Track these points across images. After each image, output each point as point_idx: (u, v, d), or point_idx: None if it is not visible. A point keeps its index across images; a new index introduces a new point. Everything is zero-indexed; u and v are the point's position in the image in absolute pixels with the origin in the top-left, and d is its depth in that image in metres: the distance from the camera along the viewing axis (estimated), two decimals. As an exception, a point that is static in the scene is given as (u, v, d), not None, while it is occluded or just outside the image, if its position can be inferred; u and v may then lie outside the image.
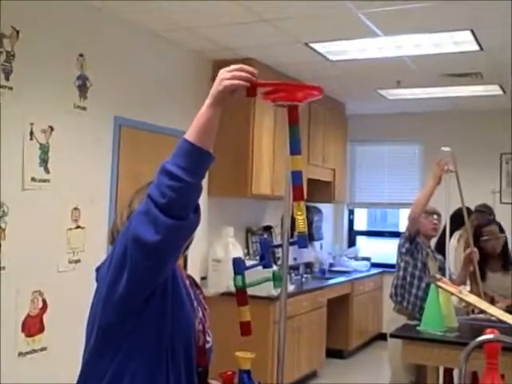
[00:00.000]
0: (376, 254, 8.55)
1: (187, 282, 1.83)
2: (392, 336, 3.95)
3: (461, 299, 4.11)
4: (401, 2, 4.10)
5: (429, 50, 5.25)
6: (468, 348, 1.61)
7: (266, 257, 1.89)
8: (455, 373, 5.94)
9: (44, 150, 4.04)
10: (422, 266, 4.37)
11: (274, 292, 5.28)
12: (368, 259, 8.30)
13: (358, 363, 7.21)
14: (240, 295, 1.88)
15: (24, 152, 3.88)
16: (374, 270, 8.17)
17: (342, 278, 7.26)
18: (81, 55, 4.31)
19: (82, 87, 4.34)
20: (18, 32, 3.81)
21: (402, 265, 4.43)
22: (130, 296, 1.64)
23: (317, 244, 7.99)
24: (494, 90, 6.71)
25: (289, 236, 1.89)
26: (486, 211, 5.80)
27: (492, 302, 4.34)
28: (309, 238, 7.24)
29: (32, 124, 3.93)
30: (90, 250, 4.28)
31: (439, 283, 3.81)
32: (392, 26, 4.64)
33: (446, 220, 4.73)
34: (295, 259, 6.90)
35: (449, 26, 4.61)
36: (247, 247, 6.34)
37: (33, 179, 3.96)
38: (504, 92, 6.77)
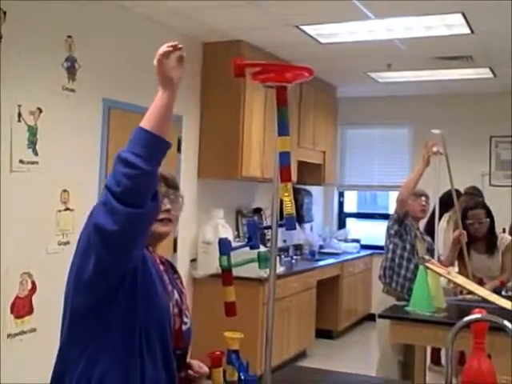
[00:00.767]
0: (366, 235, 8.59)
1: (161, 267, 1.82)
2: (380, 316, 3.98)
3: (449, 280, 4.14)
4: (391, -17, 4.08)
5: (420, 33, 5.23)
6: (456, 327, 1.63)
7: (254, 238, 1.89)
8: (442, 352, 6.01)
9: (32, 132, 4.02)
10: (410, 248, 4.40)
11: (264, 273, 5.29)
12: (358, 241, 8.34)
13: (347, 343, 7.27)
14: (225, 275, 1.89)
15: (12, 134, 3.85)
16: (364, 252, 8.21)
17: (331, 260, 7.29)
18: (69, 36, 4.28)
19: (71, 69, 4.31)
20: (5, 13, 3.77)
21: (391, 247, 4.46)
22: (97, 283, 1.65)
23: (307, 226, 8.01)
24: (484, 73, 6.71)
25: (277, 218, 1.89)
26: (475, 193, 5.83)
27: (480, 283, 4.38)
28: (299, 220, 7.26)
29: (20, 106, 3.90)
30: (80, 231, 4.26)
31: (428, 264, 3.84)
32: (383, 8, 4.63)
33: (435, 202, 4.76)
34: (285, 241, 6.92)
35: (440, 9, 4.59)
36: (237, 229, 6.35)
37: (21, 161, 3.94)
38: (494, 75, 6.78)
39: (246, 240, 1.87)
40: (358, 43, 5.61)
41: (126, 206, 1.54)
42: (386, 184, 8.28)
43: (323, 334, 7.15)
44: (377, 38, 5.42)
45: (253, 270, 5.01)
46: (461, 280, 3.95)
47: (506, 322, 1.63)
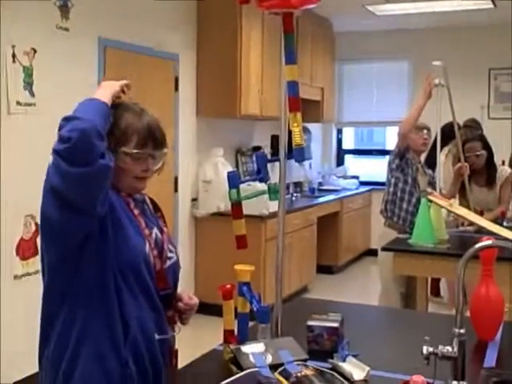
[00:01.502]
0: (364, 172, 8.60)
1: (135, 211, 1.81)
2: (384, 249, 4.01)
3: (451, 212, 4.16)
4: None
5: (419, -39, 5.10)
6: (467, 255, 1.63)
7: (263, 171, 1.88)
8: (441, 284, 6.12)
9: (28, 72, 3.95)
10: (412, 182, 4.40)
11: (266, 211, 5.32)
12: (356, 177, 8.36)
13: (347, 278, 7.37)
14: (235, 209, 1.88)
15: (7, 75, 3.79)
16: (363, 188, 8.24)
17: (331, 197, 7.32)
18: (60, -27, 4.16)
19: (64, 7, 4.20)
20: None
21: (393, 181, 4.45)
22: (63, 239, 1.68)
23: (306, 163, 7.99)
24: (484, 3, 6.57)
25: (286, 150, 1.88)
26: (473, 126, 5.79)
27: (481, 215, 4.40)
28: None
29: (14, 46, 3.82)
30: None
31: (430, 197, 3.85)
32: None
33: (436, 135, 4.73)
34: (285, 179, 6.91)
35: None
36: (237, 168, 6.34)
37: (18, 103, 3.89)
38: (495, 5, 6.65)
39: (256, 173, 1.85)
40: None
41: (73, 165, 1.55)
42: (384, 120, 8.23)
43: (324, 269, 7.25)
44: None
45: (255, 207, 5.10)
46: (463, 212, 3.97)
47: (516, 247, 1.64)
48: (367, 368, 1.77)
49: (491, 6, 6.64)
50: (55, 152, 1.58)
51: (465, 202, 4.55)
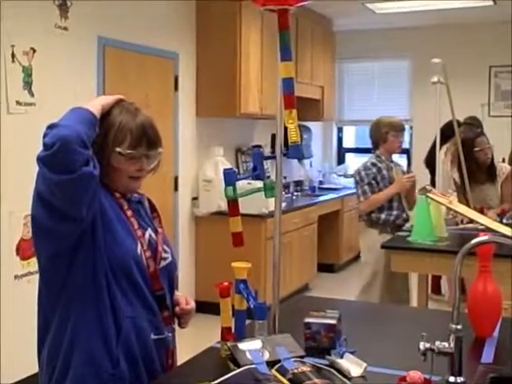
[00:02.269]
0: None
1: (128, 213, 1.81)
2: (383, 247, 4.02)
3: (451, 210, 4.16)
4: None
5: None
6: (463, 250, 1.63)
7: (259, 168, 1.88)
8: (442, 282, 6.11)
9: (27, 72, 3.96)
10: (390, 183, 4.38)
11: (265, 209, 5.32)
12: (357, 176, 8.33)
13: (348, 276, 7.36)
14: (231, 206, 1.88)
15: (7, 75, 3.80)
16: (364, 187, 8.22)
17: (331, 195, 7.32)
18: (59, -28, 4.16)
19: (63, 6, 4.21)
20: None
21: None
22: (51, 243, 1.70)
23: (306, 162, 8.00)
24: (484, 1, 6.57)
25: (282, 147, 1.88)
26: (474, 124, 5.79)
27: (481, 212, 4.39)
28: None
29: (13, 46, 3.83)
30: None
31: (429, 194, 3.85)
32: None
33: (436, 133, 4.73)
34: (285, 177, 6.92)
35: None
36: (237, 167, 6.34)
37: (18, 103, 3.90)
38: (494, 2, 6.64)
39: (252, 170, 1.85)
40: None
41: (55, 172, 1.57)
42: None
43: (325, 267, 7.25)
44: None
45: (255, 207, 5.10)
46: (462, 209, 3.96)
47: (512, 243, 1.64)
48: (364, 364, 1.77)
49: (491, 3, 6.63)
50: (39, 159, 1.60)
51: (464, 200, 4.55)
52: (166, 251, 1.89)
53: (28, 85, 3.95)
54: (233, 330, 1.90)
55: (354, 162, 8.86)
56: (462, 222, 4.39)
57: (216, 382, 1.56)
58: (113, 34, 4.67)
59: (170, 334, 1.87)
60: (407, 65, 8.22)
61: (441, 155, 5.38)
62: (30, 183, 3.99)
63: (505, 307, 2.22)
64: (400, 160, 8.54)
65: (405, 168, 4.61)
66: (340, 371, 1.72)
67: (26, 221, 3.94)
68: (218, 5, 5.60)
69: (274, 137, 6.78)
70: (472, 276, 2.15)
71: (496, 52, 7.49)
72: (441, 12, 7.09)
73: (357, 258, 7.98)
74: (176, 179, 5.51)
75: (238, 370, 1.62)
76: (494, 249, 2.11)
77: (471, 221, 4.12)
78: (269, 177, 1.92)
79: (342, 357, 1.83)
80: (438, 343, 1.68)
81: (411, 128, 8.26)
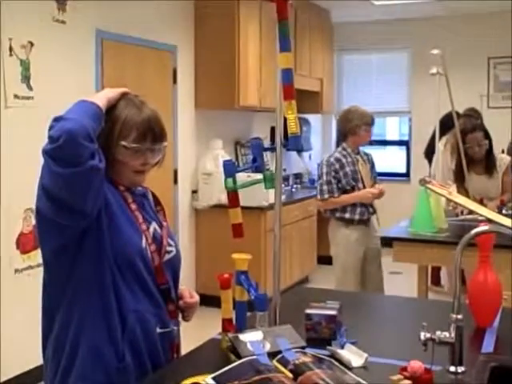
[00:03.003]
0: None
1: (133, 206, 1.81)
2: (383, 238, 4.02)
3: (450, 201, 4.16)
4: None
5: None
6: (464, 240, 1.64)
7: (258, 160, 1.87)
8: (442, 273, 6.12)
9: (25, 66, 3.95)
10: (353, 179, 4.29)
11: (265, 202, 5.32)
12: (356, 168, 8.32)
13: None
14: (231, 197, 1.88)
15: (4, 69, 3.79)
16: (363, 179, 8.22)
17: (331, 188, 7.30)
18: (56, -35, 4.15)
19: (60, 0, 4.19)
20: None
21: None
22: (56, 236, 1.69)
23: (305, 155, 7.99)
24: (482, -9, 6.56)
25: (282, 138, 1.88)
26: (473, 115, 5.77)
27: (481, 203, 4.39)
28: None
29: (11, 39, 3.82)
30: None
31: (429, 185, 3.84)
32: None
33: (435, 125, 4.73)
34: (285, 170, 6.92)
35: None
36: (237, 159, 6.34)
37: (16, 96, 3.90)
38: (493, -7, 6.63)
39: (251, 161, 1.85)
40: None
41: (61, 165, 1.57)
42: (384, 110, 8.20)
43: (325, 259, 7.21)
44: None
45: (255, 199, 5.10)
46: (462, 200, 3.96)
47: (513, 232, 1.64)
48: (365, 355, 1.77)
49: (490, -6, 6.62)
50: (44, 152, 1.60)
51: (463, 191, 4.55)
52: (170, 244, 1.89)
53: (26, 78, 3.94)
54: (234, 322, 1.90)
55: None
56: (461, 213, 4.39)
57: (217, 373, 1.56)
58: (111, 27, 4.65)
59: (175, 328, 1.87)
60: (406, 56, 8.20)
61: (440, 146, 5.38)
62: (29, 177, 4.00)
63: (505, 297, 2.22)
64: (399, 151, 8.62)
65: (371, 157, 4.46)
66: (341, 362, 1.73)
67: (25, 215, 3.94)
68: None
69: (273, 129, 6.77)
70: (472, 267, 2.16)
71: (495, 43, 7.48)
72: (439, 3, 7.07)
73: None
74: (175, 172, 5.51)
75: (239, 361, 1.62)
76: (494, 239, 2.11)
77: (471, 212, 4.12)
78: (268, 169, 1.92)
79: (342, 347, 1.83)
80: (438, 333, 1.69)
81: (410, 120, 8.25)
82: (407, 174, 8.33)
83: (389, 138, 9.36)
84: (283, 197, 5.88)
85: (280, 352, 1.70)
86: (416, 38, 7.86)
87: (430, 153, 5.26)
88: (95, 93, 4.39)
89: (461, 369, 1.70)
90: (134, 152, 1.76)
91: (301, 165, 7.72)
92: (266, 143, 6.55)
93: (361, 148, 4.39)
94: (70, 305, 1.74)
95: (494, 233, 1.88)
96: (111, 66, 4.66)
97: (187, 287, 2.01)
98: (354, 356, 1.77)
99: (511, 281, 3.06)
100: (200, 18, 5.68)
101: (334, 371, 1.61)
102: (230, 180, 1.83)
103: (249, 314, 1.93)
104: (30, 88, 3.98)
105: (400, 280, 6.11)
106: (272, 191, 1.92)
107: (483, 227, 1.73)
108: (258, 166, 1.84)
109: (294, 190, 6.88)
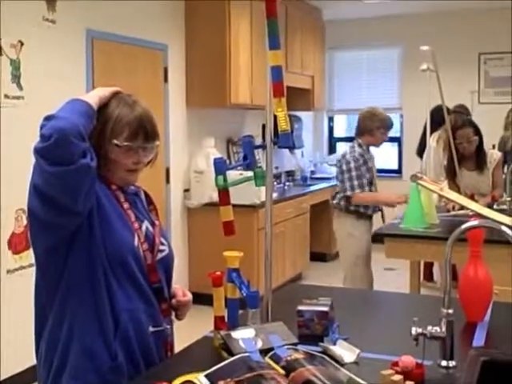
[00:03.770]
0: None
1: (125, 205, 1.81)
2: (375, 235, 4.04)
3: (442, 196, 4.17)
4: None
5: None
6: (454, 235, 1.65)
7: (249, 157, 1.87)
8: (434, 269, 6.15)
9: (15, 65, 3.94)
10: (369, 176, 4.40)
11: (257, 200, 5.33)
12: (349, 165, 8.33)
13: (341, 265, 7.37)
14: (222, 195, 1.88)
15: (-6, 68, 3.78)
16: (355, 176, 8.23)
17: (323, 185, 7.32)
18: (45, -36, 4.13)
19: (50, -1, 4.18)
20: None
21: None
22: (48, 235, 1.70)
23: (298, 152, 8.00)
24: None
25: (272, 136, 1.88)
26: (462, 112, 5.80)
27: (472, 199, 4.41)
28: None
29: (0, 39, 3.81)
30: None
31: (420, 181, 3.85)
32: None
33: (426, 120, 4.74)
34: (277, 168, 6.92)
35: None
36: (229, 157, 6.34)
37: (6, 96, 3.88)
38: (483, -11, 6.65)
39: (242, 159, 1.85)
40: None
41: (52, 164, 1.57)
42: (375, 106, 8.21)
43: (318, 256, 7.27)
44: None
45: (247, 197, 5.10)
46: (453, 196, 3.98)
47: (503, 227, 1.65)
48: (357, 350, 1.78)
49: (480, -10, 6.64)
50: (35, 151, 1.60)
51: (455, 187, 4.56)
52: (163, 243, 1.89)
53: (16, 78, 3.93)
54: (226, 319, 1.91)
55: (345, 151, 8.89)
56: (453, 208, 4.41)
57: (210, 370, 1.56)
58: (101, 26, 4.64)
59: (168, 327, 1.87)
60: (397, 53, 8.23)
61: (433, 143, 5.40)
62: (20, 177, 3.99)
63: (496, 292, 2.23)
64: (391, 147, 8.64)
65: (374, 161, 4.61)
66: (333, 358, 1.73)
67: (17, 215, 3.93)
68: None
69: (264, 127, 6.78)
70: (463, 262, 2.17)
71: (485, 39, 7.51)
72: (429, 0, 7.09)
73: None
74: (167, 171, 5.51)
75: (232, 359, 1.63)
76: (484, 234, 2.12)
77: (462, 207, 4.14)
78: (260, 167, 1.92)
79: (335, 343, 1.84)
80: (429, 328, 1.70)
81: (401, 116, 8.27)
82: (399, 171, 8.35)
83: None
84: (275, 194, 5.95)
85: (272, 349, 1.71)
86: (406, 34, 7.88)
87: (422, 151, 5.26)
88: (86, 92, 4.42)
89: (452, 363, 1.71)
90: (126, 150, 1.76)
91: (293, 162, 7.73)
92: (258, 141, 6.55)
93: None
94: (63, 304, 1.74)
95: (484, 228, 1.89)
96: (102, 65, 4.65)
97: (180, 286, 2.01)
98: (346, 352, 1.78)
99: (502, 275, 3.08)
100: (191, 17, 5.68)
101: (326, 367, 1.61)
102: (220, 178, 1.84)
103: (241, 311, 1.93)
104: (20, 88, 3.97)
105: (393, 276, 6.13)
106: (264, 189, 1.92)
107: (473, 222, 1.74)
108: (248, 163, 1.85)
109: (286, 187, 6.89)
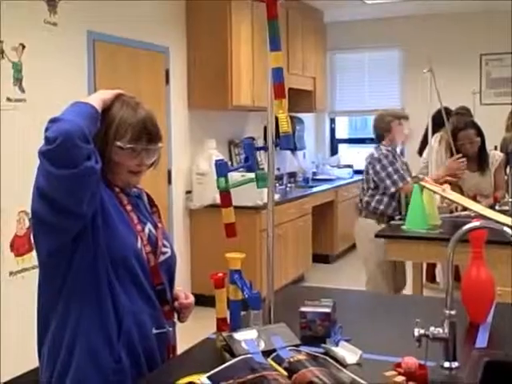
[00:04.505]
0: (358, 161, 8.59)
1: (128, 208, 1.82)
2: (377, 236, 4.02)
3: (444, 197, 4.17)
4: None
5: None
6: (456, 236, 1.64)
7: (251, 159, 1.87)
8: (437, 270, 6.14)
9: (17, 68, 3.94)
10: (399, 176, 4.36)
11: (260, 201, 5.33)
12: (350, 166, 8.36)
13: (343, 267, 7.39)
14: (223, 197, 1.88)
15: (-4, 71, 3.78)
16: (357, 177, 8.21)
17: (325, 186, 7.33)
18: (47, -33, 4.14)
19: (51, 1, 4.19)
20: None
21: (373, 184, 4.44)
22: (52, 238, 1.70)
23: (299, 154, 8.00)
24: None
25: (274, 137, 1.88)
26: (464, 113, 5.80)
27: (474, 200, 4.41)
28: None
29: (2, 42, 3.81)
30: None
31: (422, 183, 3.85)
32: None
33: (427, 122, 4.75)
34: (278, 169, 6.93)
35: None
36: (230, 159, 6.34)
37: (8, 99, 3.89)
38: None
39: (243, 161, 1.85)
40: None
41: (57, 167, 1.57)
42: (377, 108, 8.15)
43: (320, 258, 7.26)
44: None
45: (249, 199, 5.11)
46: (455, 197, 3.98)
47: (505, 228, 1.65)
48: (360, 352, 1.78)
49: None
50: (40, 153, 1.59)
51: (457, 188, 4.56)
52: (165, 246, 1.89)
53: (18, 81, 3.94)
54: (228, 321, 1.90)
55: (346, 153, 8.89)
56: (456, 209, 4.41)
57: (212, 372, 1.56)
58: (102, 28, 4.65)
59: (170, 329, 1.87)
60: (398, 54, 8.23)
61: (435, 144, 5.40)
62: (22, 179, 4.00)
63: (498, 293, 2.23)
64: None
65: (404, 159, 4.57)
66: (336, 359, 1.73)
67: (19, 217, 3.93)
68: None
69: (266, 129, 6.78)
70: (466, 263, 2.16)
71: (486, 40, 7.51)
72: (431, 1, 7.09)
73: (351, 248, 8.00)
74: (169, 173, 5.51)
75: (234, 360, 1.63)
76: (486, 235, 2.12)
77: (465, 208, 4.13)
78: (262, 168, 1.92)
79: (337, 345, 1.83)
80: (432, 329, 1.70)
81: (403, 117, 8.25)
82: (401, 172, 8.34)
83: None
84: (277, 196, 5.94)
85: (275, 350, 1.71)
86: (408, 36, 7.89)
87: (422, 149, 5.26)
88: (88, 94, 4.43)
89: (455, 364, 1.71)
90: (129, 152, 1.77)
91: (295, 164, 7.74)
92: (260, 143, 6.57)
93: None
94: (66, 306, 1.74)
95: (486, 229, 1.89)
96: (103, 67, 4.66)
97: (182, 288, 2.01)
98: (348, 353, 1.78)
99: (504, 276, 3.08)
100: (192, 19, 5.68)
101: (328, 369, 1.61)
102: (222, 179, 1.84)
103: (243, 313, 1.93)
104: (22, 90, 3.97)
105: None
106: (266, 191, 1.92)
107: (475, 223, 1.74)
108: (250, 165, 1.85)
109: (288, 189, 6.89)
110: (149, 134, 1.80)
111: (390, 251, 3.95)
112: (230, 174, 1.88)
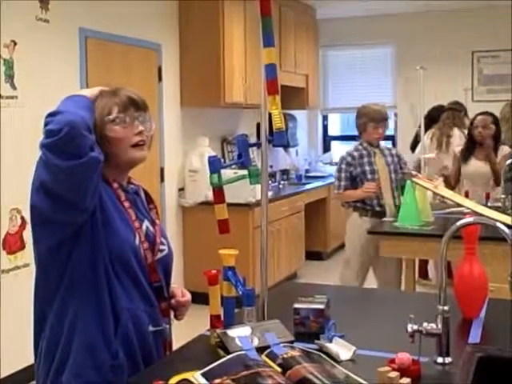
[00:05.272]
0: (351, 158, 8.60)
1: (126, 204, 1.81)
2: (370, 233, 4.03)
3: (437, 194, 4.18)
4: None
5: None
6: (449, 232, 1.65)
7: (244, 155, 1.87)
8: (429, 266, 6.16)
9: (9, 65, 3.92)
10: (370, 171, 4.33)
11: (252, 198, 5.33)
12: (343, 163, 8.34)
13: (336, 264, 7.34)
14: (216, 193, 1.88)
15: (-12, 68, 3.76)
16: (350, 174, 8.24)
17: (318, 183, 7.33)
18: (38, -37, 4.12)
19: (43, -2, 4.17)
20: None
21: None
22: (53, 234, 1.69)
23: (292, 151, 8.00)
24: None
25: (267, 134, 1.88)
26: (457, 108, 5.83)
27: (466, 196, 4.43)
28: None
29: (-7, 39, 3.80)
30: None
31: (415, 179, 3.86)
32: None
33: (420, 118, 4.76)
34: (271, 166, 6.92)
35: None
36: (223, 156, 6.34)
37: (0, 96, 3.86)
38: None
39: (236, 157, 1.85)
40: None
41: (63, 158, 1.56)
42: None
43: (313, 255, 7.27)
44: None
45: (241, 196, 5.11)
46: (448, 193, 3.99)
47: (498, 224, 1.66)
48: (353, 348, 1.78)
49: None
50: (44, 147, 1.58)
51: (452, 182, 4.60)
52: (163, 243, 1.89)
53: (10, 78, 3.92)
54: (222, 318, 1.90)
55: (339, 150, 8.87)
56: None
57: (206, 369, 1.56)
58: (95, 25, 4.63)
59: (167, 326, 1.88)
60: (391, 51, 8.24)
61: (427, 141, 5.42)
62: (14, 176, 3.98)
63: (491, 289, 2.23)
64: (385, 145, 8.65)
65: (394, 151, 4.53)
66: (329, 355, 1.73)
67: (11, 215, 3.92)
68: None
69: (259, 126, 6.77)
70: (458, 259, 2.17)
71: (478, 37, 7.53)
72: (423, -2, 7.10)
73: (344, 245, 8.01)
74: (162, 170, 5.50)
75: (228, 357, 1.63)
76: (479, 231, 2.13)
77: (458, 205, 4.15)
78: (255, 165, 1.92)
79: (331, 341, 1.84)
80: (425, 325, 1.70)
81: (395, 114, 8.28)
82: (393, 169, 8.35)
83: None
84: (270, 193, 5.94)
85: (268, 347, 1.71)
86: (400, 33, 7.90)
87: (415, 145, 5.27)
88: (80, 88, 4.40)
89: (448, 360, 1.72)
90: (122, 124, 1.76)
91: (288, 161, 7.73)
92: (253, 140, 6.56)
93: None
94: (63, 302, 1.73)
95: (479, 225, 1.90)
96: (96, 64, 4.64)
97: (178, 285, 2.01)
98: (342, 349, 1.78)
99: (497, 272, 3.09)
100: (184, 16, 5.67)
101: (322, 365, 1.61)
102: (215, 176, 1.83)
103: (237, 309, 1.93)
104: (13, 87, 3.95)
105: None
106: (259, 188, 1.92)
107: (468, 219, 1.74)
108: (243, 161, 1.85)
109: (281, 186, 6.89)
110: (135, 103, 1.80)
111: (383, 248, 3.96)
112: (222, 172, 1.88)
